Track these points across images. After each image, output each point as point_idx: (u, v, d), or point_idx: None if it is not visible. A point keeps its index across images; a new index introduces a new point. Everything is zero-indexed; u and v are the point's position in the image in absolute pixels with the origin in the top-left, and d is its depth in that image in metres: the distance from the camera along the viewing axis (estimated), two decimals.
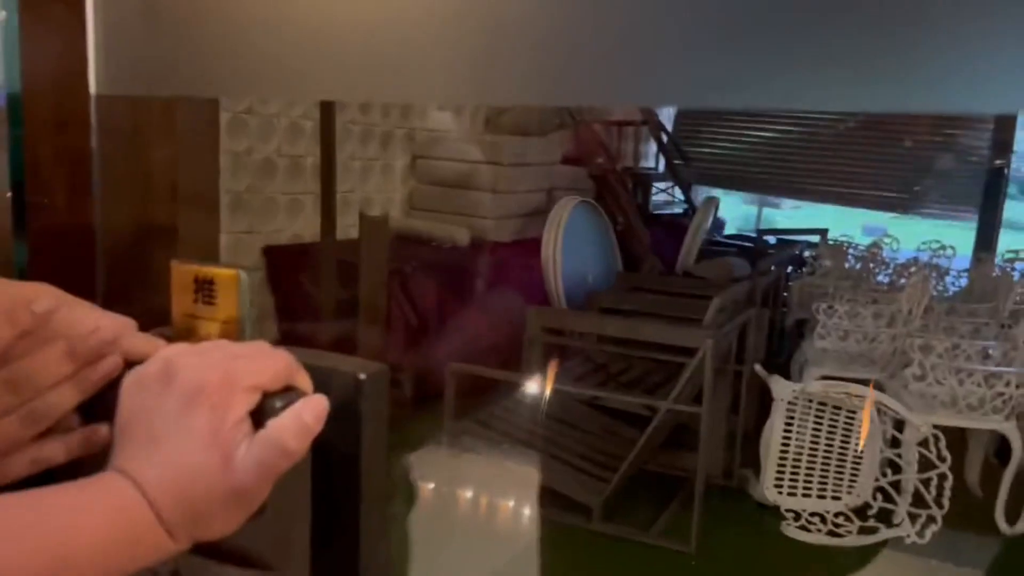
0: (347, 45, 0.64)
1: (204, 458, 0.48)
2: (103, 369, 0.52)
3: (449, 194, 3.24)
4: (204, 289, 0.54)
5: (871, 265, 2.94)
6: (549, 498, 1.82)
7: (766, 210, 5.20)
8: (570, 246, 2.54)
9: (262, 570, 0.50)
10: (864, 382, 1.96)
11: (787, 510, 1.98)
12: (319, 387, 0.51)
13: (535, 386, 2.08)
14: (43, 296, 0.53)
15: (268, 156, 2.79)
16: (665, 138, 4.33)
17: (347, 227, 2.83)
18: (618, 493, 1.95)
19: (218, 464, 0.48)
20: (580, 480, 1.99)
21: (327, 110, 2.43)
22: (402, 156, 3.37)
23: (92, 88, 0.71)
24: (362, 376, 0.52)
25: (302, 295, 2.49)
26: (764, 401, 2.09)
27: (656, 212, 4.27)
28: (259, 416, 0.48)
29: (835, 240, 3.20)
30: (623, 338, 2.30)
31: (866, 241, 3.13)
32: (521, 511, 1.52)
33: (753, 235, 4.36)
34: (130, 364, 0.51)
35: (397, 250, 2.62)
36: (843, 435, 2.00)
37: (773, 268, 2.96)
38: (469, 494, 1.51)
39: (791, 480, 2.02)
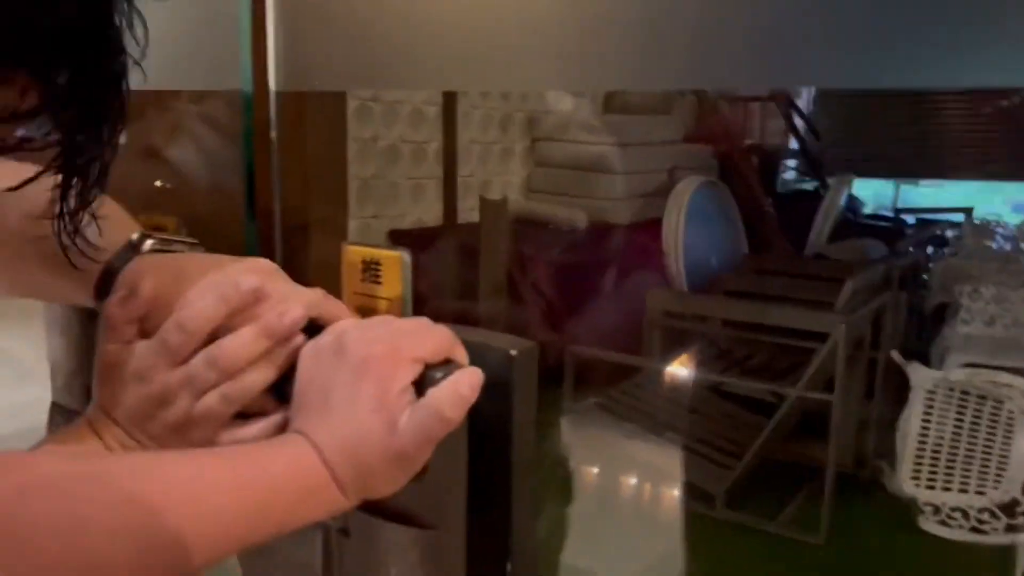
0: (498, 36, 0.68)
1: (371, 423, 0.53)
2: (293, 348, 0.57)
3: (568, 176, 3.27)
4: (371, 269, 0.60)
5: (1022, 245, 2.79)
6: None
7: (904, 187, 4.97)
8: (693, 227, 2.53)
9: (422, 529, 0.56)
10: (1012, 370, 1.88)
11: (925, 503, 1.93)
12: (474, 361, 0.56)
13: (655, 370, 2.10)
14: (252, 273, 0.58)
15: (392, 143, 2.89)
16: (796, 114, 4.20)
17: (468, 211, 2.91)
18: (743, 481, 1.95)
19: (383, 429, 0.54)
20: (703, 467, 1.99)
21: (449, 96, 2.49)
22: (521, 139, 3.42)
23: (272, 85, 0.79)
24: (514, 352, 0.56)
25: (424, 278, 2.58)
26: (901, 389, 2.03)
27: (785, 191, 4.16)
28: (421, 386, 0.53)
29: (981, 219, 3.05)
30: (749, 322, 2.27)
31: (1015, 220, 2.97)
32: (676, 496, 1.55)
33: (890, 214, 4.19)
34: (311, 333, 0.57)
35: (516, 233, 2.67)
36: (989, 426, 1.92)
37: (912, 249, 2.85)
38: (630, 479, 1.55)
39: (930, 472, 1.96)
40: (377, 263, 0.61)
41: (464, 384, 0.53)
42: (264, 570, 0.64)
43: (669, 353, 2.11)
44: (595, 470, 1.56)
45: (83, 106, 0.50)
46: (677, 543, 1.51)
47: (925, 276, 2.94)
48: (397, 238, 2.97)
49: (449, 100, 2.51)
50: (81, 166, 0.52)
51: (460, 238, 2.42)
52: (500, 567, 0.59)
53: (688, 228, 2.53)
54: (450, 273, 2.41)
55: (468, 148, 3.17)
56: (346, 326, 0.58)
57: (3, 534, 0.39)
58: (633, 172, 3.19)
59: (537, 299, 2.51)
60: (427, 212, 2.99)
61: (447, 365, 0.55)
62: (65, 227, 0.56)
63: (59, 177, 0.51)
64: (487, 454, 0.57)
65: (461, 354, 0.58)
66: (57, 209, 0.53)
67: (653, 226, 2.64)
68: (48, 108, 0.48)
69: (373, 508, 0.57)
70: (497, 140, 3.30)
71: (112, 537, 0.43)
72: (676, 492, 1.62)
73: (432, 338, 0.56)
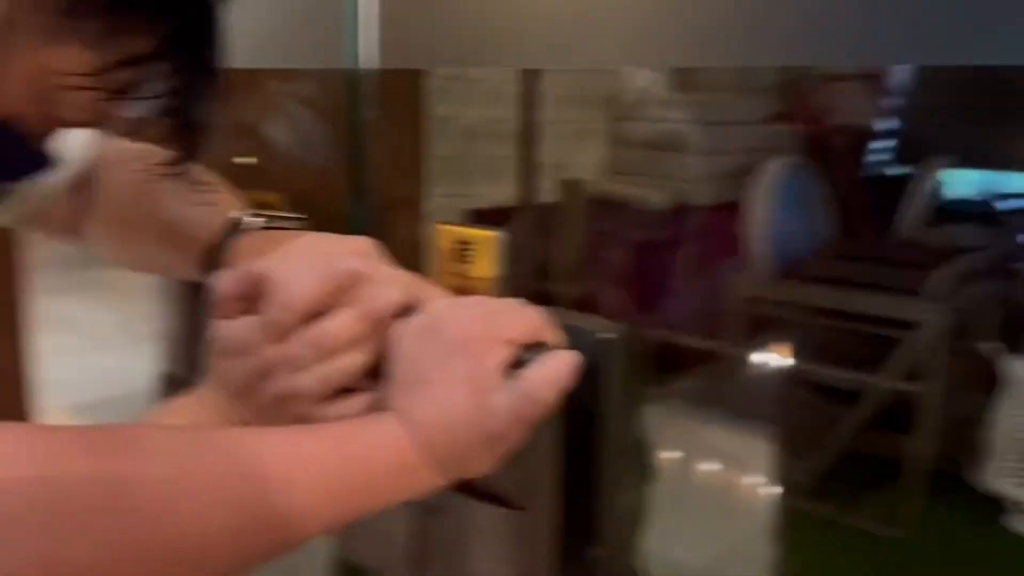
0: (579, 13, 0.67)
1: (465, 403, 0.54)
2: (389, 331, 0.58)
3: (648, 156, 3.23)
4: (464, 249, 0.60)
5: None
6: None
7: (1000, 174, 4.76)
8: (777, 210, 2.48)
9: (512, 509, 0.57)
10: None
11: (1013, 501, 1.86)
12: (569, 344, 0.56)
13: (736, 357, 2.07)
14: (355, 255, 0.60)
15: (471, 122, 2.91)
16: (888, 94, 4.04)
17: (545, 191, 2.91)
18: (824, 472, 1.91)
19: (477, 409, 0.55)
20: (784, 456, 1.96)
21: (529, 75, 2.49)
22: (601, 119, 3.39)
23: (364, 63, 0.80)
24: (609, 336, 0.57)
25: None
26: (992, 382, 1.96)
27: (875, 174, 4.02)
28: (515, 367, 0.54)
29: None
30: (835, 310, 2.22)
31: None
32: (758, 484, 1.54)
33: (985, 200, 4.02)
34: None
35: (595, 214, 2.66)
36: None
37: (1007, 237, 2.74)
38: (708, 464, 1.54)
39: (1019, 469, 1.89)
40: (470, 243, 0.62)
41: (560, 367, 0.53)
42: (352, 544, 0.66)
43: (751, 340, 2.08)
44: (673, 456, 1.55)
45: (194, 52, 0.52)
46: (755, 532, 1.50)
47: (1020, 265, 2.82)
48: (474, 218, 2.99)
49: (528, 79, 2.51)
50: (190, 116, 0.54)
51: (537, 218, 2.42)
52: (588, 551, 0.60)
53: (772, 211, 2.48)
54: (526, 254, 2.42)
55: (548, 128, 3.16)
56: (440, 305, 0.59)
57: (105, 501, 0.41)
58: (715, 152, 3.13)
59: (614, 282, 2.50)
60: (504, 192, 3.00)
61: (542, 347, 0.55)
62: (176, 175, 0.58)
63: (169, 142, 0.53)
64: (580, 438, 0.58)
65: (556, 336, 0.58)
66: (172, 155, 0.55)
67: (735, 208, 2.59)
68: (163, 53, 0.50)
69: (463, 487, 0.58)
70: (577, 119, 3.28)
71: (211, 511, 0.44)
72: (755, 481, 1.60)
73: (527, 319, 0.57)
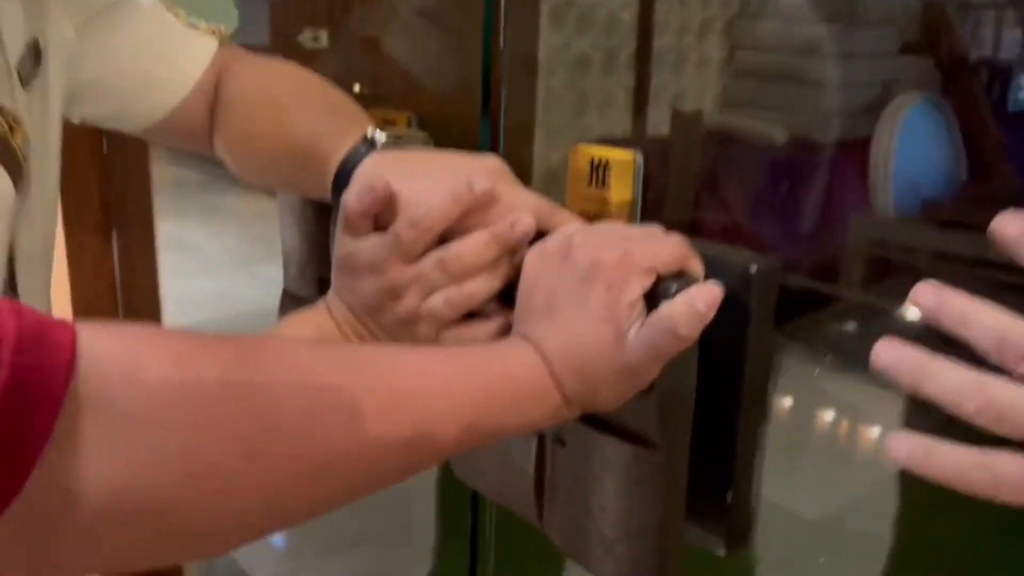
0: None
1: (598, 333, 0.52)
2: (520, 257, 0.57)
3: (769, 88, 3.09)
4: (600, 172, 0.58)
5: None
6: None
7: None
8: (906, 148, 2.34)
9: (642, 447, 0.55)
10: None
11: None
12: (708, 276, 0.53)
13: (857, 302, 1.98)
14: (485, 174, 0.59)
15: (584, 50, 2.84)
16: None
17: (658, 123, 2.83)
18: (949, 421, 1.83)
19: (611, 340, 0.53)
20: (906, 408, 1.88)
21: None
22: (719, 48, 3.25)
23: None
24: (753, 268, 0.53)
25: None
26: None
27: (1017, 111, 3.75)
28: (652, 298, 0.52)
29: None
30: (965, 256, 2.10)
31: None
32: (881, 435, 1.49)
33: None
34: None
35: (710, 149, 2.57)
36: None
37: None
38: (825, 414, 1.50)
39: None
40: (606, 165, 0.59)
41: (701, 299, 0.51)
42: (474, 471, 0.66)
43: (873, 284, 1.98)
44: (787, 402, 1.51)
45: None
46: (877, 485, 1.45)
47: None
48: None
49: (645, 2, 2.42)
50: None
51: (649, 152, 2.35)
52: (720, 495, 0.58)
53: (901, 149, 2.34)
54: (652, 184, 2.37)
55: (663, 57, 3.05)
56: (574, 230, 0.57)
57: (244, 410, 0.41)
58: (841, 85, 2.97)
59: (728, 220, 2.43)
60: (616, 124, 2.93)
61: (682, 278, 0.53)
62: None
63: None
64: (717, 376, 0.55)
65: (696, 267, 0.56)
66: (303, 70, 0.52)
67: (861, 145, 2.46)
68: None
69: (592, 420, 0.56)
70: (694, 48, 3.16)
71: (351, 425, 0.44)
72: (876, 432, 1.54)
73: (666, 247, 0.54)
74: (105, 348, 0.38)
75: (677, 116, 2.42)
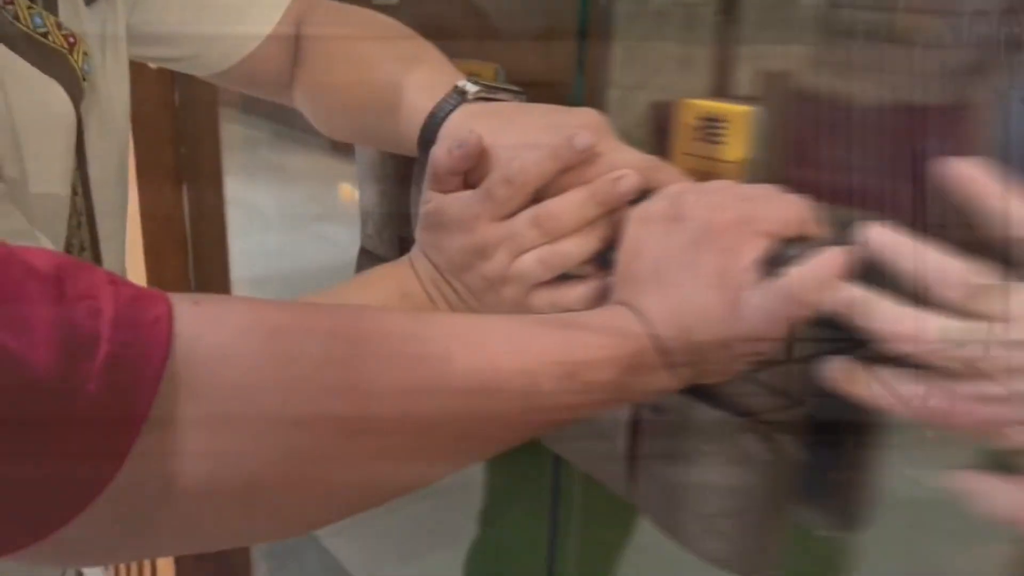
0: None
1: (710, 300, 0.49)
2: (621, 218, 0.55)
3: (865, 48, 2.97)
4: (711, 127, 0.54)
5: None
6: None
7: None
8: (1017, 112, 2.22)
9: (752, 424, 0.52)
10: None
11: None
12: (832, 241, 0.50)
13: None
14: (585, 129, 0.56)
15: (663, 6, 2.76)
16: None
17: (741, 84, 2.74)
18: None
19: (724, 308, 0.49)
20: None
21: None
22: (810, 3, 3.14)
23: None
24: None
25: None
26: None
27: None
28: (770, 264, 0.48)
29: None
30: None
31: None
32: None
33: None
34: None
35: (799, 111, 2.48)
36: None
37: None
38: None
39: None
40: (720, 120, 0.56)
41: (826, 266, 0.47)
42: (567, 445, 0.64)
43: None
44: None
45: None
46: (985, 459, 1.39)
47: None
48: (659, 110, 2.88)
49: None
50: None
51: None
52: (832, 485, 0.55)
53: (1007, 115, 2.22)
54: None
55: (748, 14, 2.96)
56: (682, 189, 0.54)
57: (340, 385, 0.40)
58: (945, 45, 2.84)
59: (819, 186, 2.35)
60: (696, 84, 2.86)
61: (804, 242, 0.49)
62: None
63: None
64: (831, 346, 0.52)
65: (817, 230, 0.52)
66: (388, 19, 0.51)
67: (965, 110, 2.35)
68: None
69: (699, 392, 0.53)
70: (782, 4, 3.05)
71: (448, 400, 0.43)
72: None
73: (787, 209, 0.51)
74: (200, 323, 0.38)
75: (763, 75, 2.33)
